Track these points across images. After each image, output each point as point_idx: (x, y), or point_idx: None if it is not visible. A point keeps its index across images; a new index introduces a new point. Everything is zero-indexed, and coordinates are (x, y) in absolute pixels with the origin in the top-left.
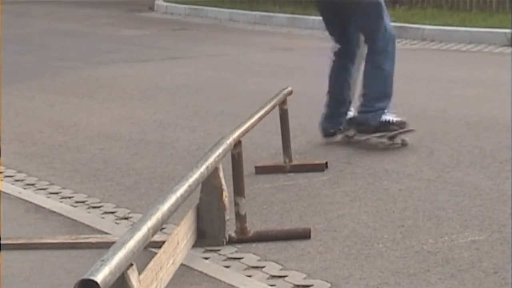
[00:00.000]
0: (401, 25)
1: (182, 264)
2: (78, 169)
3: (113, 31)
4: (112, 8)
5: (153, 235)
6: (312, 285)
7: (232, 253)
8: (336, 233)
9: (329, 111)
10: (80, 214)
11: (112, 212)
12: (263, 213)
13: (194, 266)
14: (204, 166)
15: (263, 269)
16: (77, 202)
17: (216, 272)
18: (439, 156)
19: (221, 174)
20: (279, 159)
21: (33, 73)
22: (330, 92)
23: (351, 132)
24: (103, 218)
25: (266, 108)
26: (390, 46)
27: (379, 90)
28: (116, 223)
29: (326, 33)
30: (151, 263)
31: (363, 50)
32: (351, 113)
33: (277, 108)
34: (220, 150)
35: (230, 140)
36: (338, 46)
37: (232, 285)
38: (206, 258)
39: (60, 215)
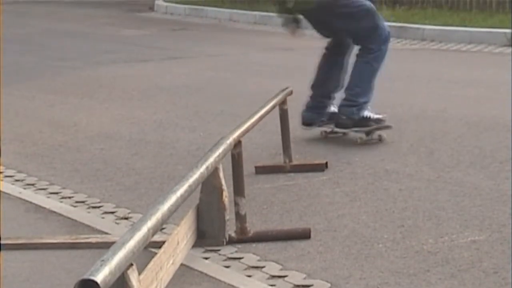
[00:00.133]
0: (401, 25)
1: (182, 264)
2: (78, 169)
3: (113, 31)
4: (112, 8)
5: (153, 235)
6: (312, 285)
7: (232, 253)
8: (336, 233)
9: (313, 101)
10: (80, 214)
11: (112, 212)
12: (263, 213)
13: (194, 266)
14: (204, 166)
15: (263, 269)
16: (77, 202)
17: (216, 272)
18: (439, 156)
19: (221, 174)
20: (279, 159)
21: (33, 73)
22: (317, 84)
23: (328, 128)
24: (103, 218)
25: (266, 108)
26: (384, 46)
27: (365, 85)
28: (116, 223)
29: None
30: (151, 263)
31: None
32: (332, 108)
33: (277, 108)
34: (220, 150)
35: (230, 140)
36: (330, 40)
37: (232, 285)
38: (206, 258)
39: (60, 215)
